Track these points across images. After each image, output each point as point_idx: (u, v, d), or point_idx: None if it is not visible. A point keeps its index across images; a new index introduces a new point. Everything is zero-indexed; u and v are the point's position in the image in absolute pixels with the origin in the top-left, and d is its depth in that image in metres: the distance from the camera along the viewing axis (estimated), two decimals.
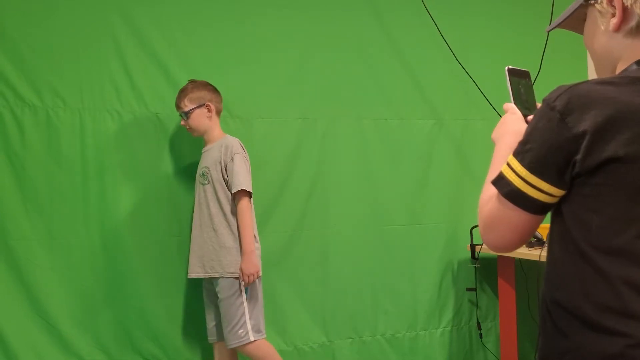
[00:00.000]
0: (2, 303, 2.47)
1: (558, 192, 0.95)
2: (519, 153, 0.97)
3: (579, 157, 0.91)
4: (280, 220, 2.88)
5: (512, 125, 1.15)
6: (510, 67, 1.22)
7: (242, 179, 2.48)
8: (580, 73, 3.36)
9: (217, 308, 2.55)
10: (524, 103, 1.20)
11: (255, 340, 2.48)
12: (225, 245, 2.50)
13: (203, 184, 2.55)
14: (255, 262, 2.47)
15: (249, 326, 2.47)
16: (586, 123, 0.90)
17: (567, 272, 0.97)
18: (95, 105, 2.63)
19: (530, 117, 1.17)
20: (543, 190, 0.95)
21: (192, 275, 2.56)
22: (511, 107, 1.19)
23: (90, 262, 2.59)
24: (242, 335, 2.46)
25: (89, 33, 2.62)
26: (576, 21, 1.12)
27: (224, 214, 2.51)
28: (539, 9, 3.21)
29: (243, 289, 2.48)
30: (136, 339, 2.64)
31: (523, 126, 1.13)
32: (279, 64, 2.92)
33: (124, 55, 2.67)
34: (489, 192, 1.04)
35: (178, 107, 2.59)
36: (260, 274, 2.53)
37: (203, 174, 2.56)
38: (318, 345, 2.96)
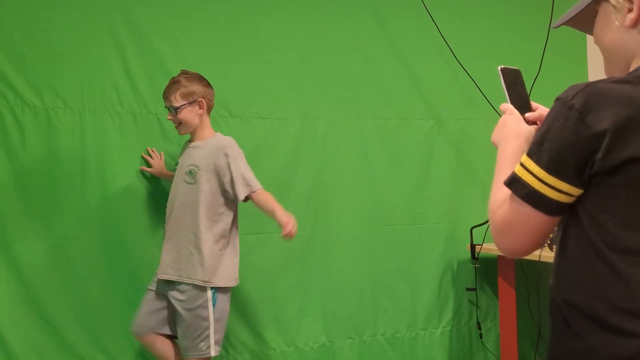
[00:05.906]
0: (2, 303, 2.47)
1: (576, 191, 0.93)
2: (534, 153, 0.95)
3: (598, 156, 0.89)
4: None
5: (514, 126, 1.13)
6: (502, 66, 1.19)
7: (254, 179, 2.38)
8: (580, 73, 3.36)
9: (168, 307, 2.41)
10: (520, 102, 1.18)
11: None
12: (202, 252, 2.33)
13: (189, 183, 2.38)
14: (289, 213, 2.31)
15: (211, 340, 2.33)
16: (606, 122, 0.88)
17: (582, 273, 0.95)
18: (95, 106, 2.62)
19: (528, 115, 1.16)
20: (562, 190, 0.93)
21: (163, 276, 2.38)
22: (509, 107, 1.17)
23: (90, 262, 2.59)
24: (204, 348, 2.33)
25: (89, 33, 2.62)
26: (584, 18, 1.10)
27: (209, 219, 2.36)
28: (539, 9, 3.21)
29: (210, 302, 2.33)
30: (136, 339, 2.64)
31: (524, 127, 1.12)
32: (279, 64, 2.92)
33: (124, 56, 2.67)
34: (500, 195, 1.01)
35: (167, 99, 2.42)
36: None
37: (190, 172, 2.38)
38: (318, 346, 2.96)
